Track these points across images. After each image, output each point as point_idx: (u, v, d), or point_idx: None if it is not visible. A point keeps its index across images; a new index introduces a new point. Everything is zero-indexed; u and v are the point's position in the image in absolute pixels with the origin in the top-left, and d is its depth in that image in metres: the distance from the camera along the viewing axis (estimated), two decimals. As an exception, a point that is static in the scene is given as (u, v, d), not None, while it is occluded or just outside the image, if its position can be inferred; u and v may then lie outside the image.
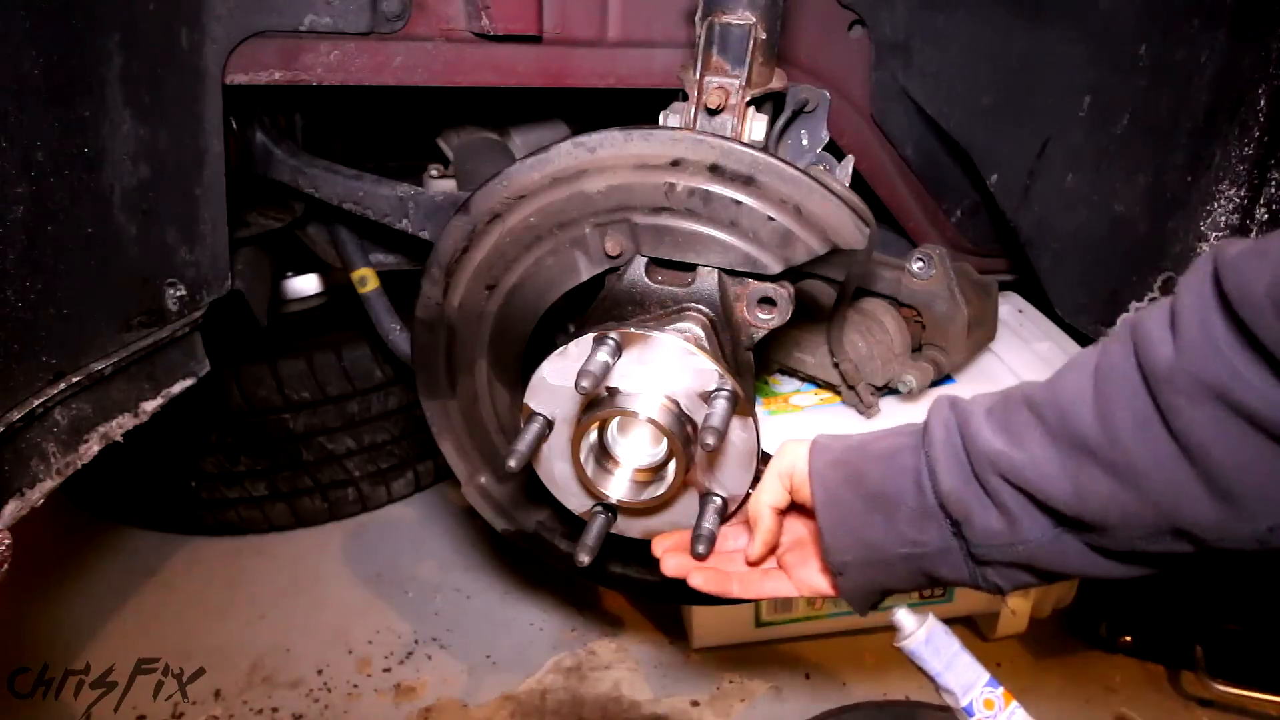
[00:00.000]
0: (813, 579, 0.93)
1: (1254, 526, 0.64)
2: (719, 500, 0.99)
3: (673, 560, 0.96)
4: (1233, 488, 0.63)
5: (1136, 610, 1.68)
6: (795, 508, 0.95)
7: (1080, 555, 0.75)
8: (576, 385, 0.87)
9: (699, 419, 0.95)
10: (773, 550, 0.97)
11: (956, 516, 0.79)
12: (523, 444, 0.95)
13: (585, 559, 0.99)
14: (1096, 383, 0.71)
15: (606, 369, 0.90)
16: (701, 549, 0.94)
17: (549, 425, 0.98)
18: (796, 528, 0.98)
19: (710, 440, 0.87)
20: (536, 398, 0.98)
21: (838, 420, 1.48)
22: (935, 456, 0.80)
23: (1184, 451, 0.64)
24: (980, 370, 1.58)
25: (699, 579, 0.95)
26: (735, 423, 0.94)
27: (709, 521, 0.97)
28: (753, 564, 0.97)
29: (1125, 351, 0.69)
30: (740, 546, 0.99)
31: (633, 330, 0.92)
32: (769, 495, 0.92)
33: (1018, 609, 1.65)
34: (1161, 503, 0.67)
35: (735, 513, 1.02)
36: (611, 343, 0.91)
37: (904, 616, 0.97)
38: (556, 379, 0.97)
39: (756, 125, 1.12)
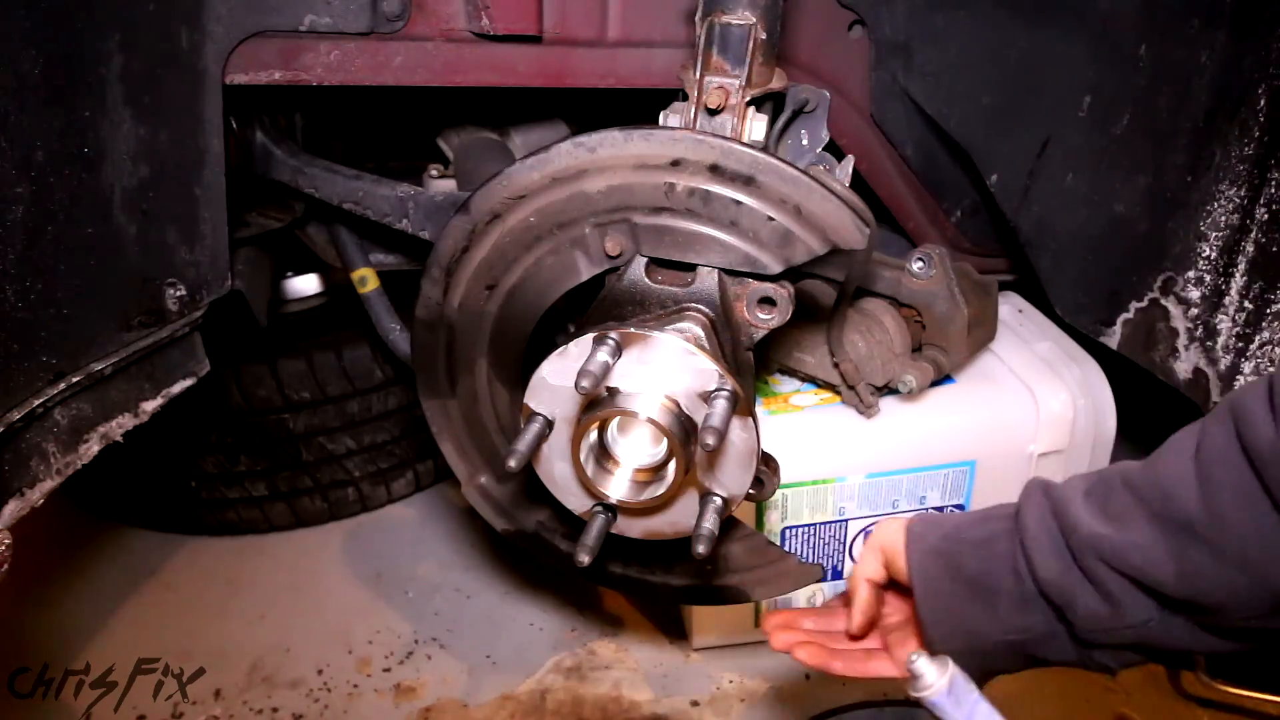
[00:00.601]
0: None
1: None
2: (719, 500, 0.99)
3: (783, 637, 1.01)
4: None
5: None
6: (894, 584, 0.97)
7: (1188, 634, 0.76)
8: (576, 385, 0.87)
9: (699, 419, 0.95)
10: (872, 624, 0.99)
11: (1058, 603, 0.80)
12: (523, 444, 0.95)
13: (585, 559, 0.99)
14: (1199, 465, 0.71)
15: (606, 369, 0.90)
16: (702, 549, 0.94)
17: (549, 425, 0.98)
18: (899, 606, 1.01)
19: (710, 440, 0.87)
20: (536, 398, 0.98)
21: (838, 420, 1.48)
22: (1031, 545, 0.81)
23: None
24: (980, 370, 1.58)
25: (804, 654, 0.98)
26: (735, 423, 0.93)
27: (709, 521, 0.97)
28: (854, 638, 0.99)
29: (1227, 432, 0.70)
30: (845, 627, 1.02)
31: (632, 330, 0.92)
32: (867, 569, 0.95)
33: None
34: (1270, 580, 0.68)
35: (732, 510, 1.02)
36: (611, 343, 0.91)
37: (924, 665, 0.94)
38: (556, 379, 0.97)
39: (756, 125, 1.12)
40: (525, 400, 0.98)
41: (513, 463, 0.93)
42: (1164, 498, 0.73)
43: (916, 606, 0.89)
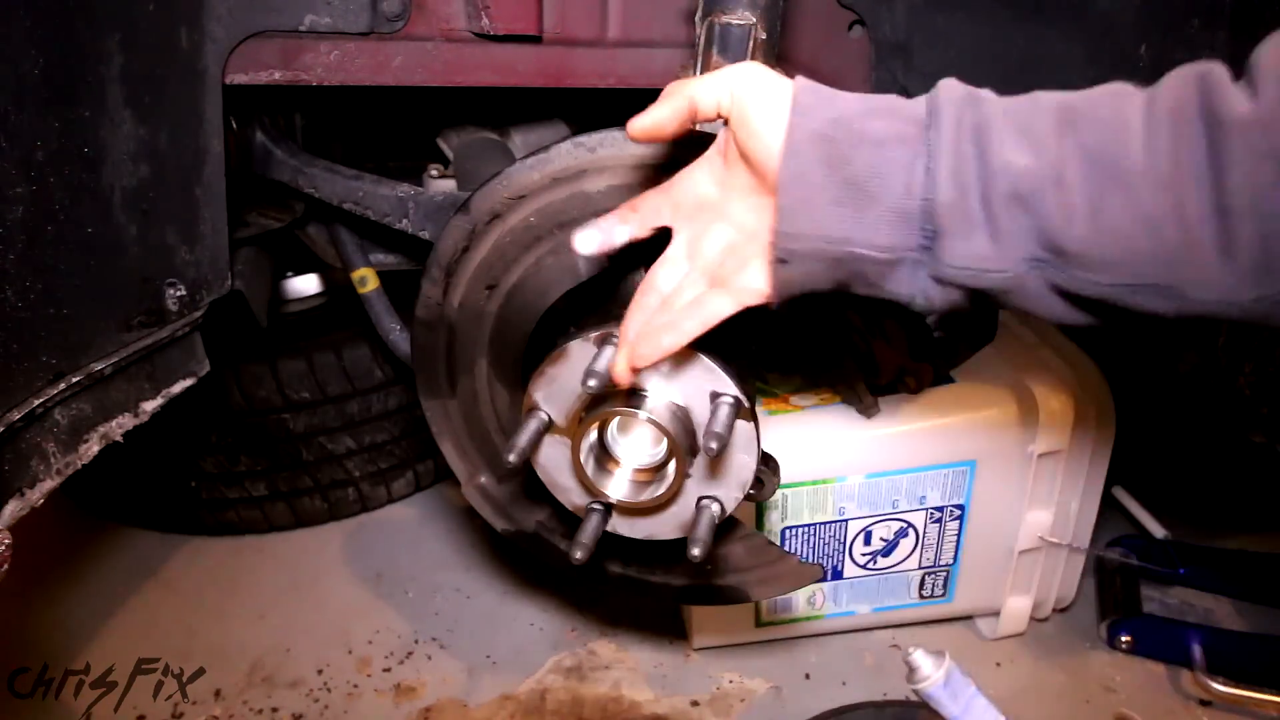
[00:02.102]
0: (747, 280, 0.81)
1: (1253, 293, 0.62)
2: (716, 504, 0.99)
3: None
4: (1254, 254, 0.61)
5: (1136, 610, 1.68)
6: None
7: (1040, 294, 0.70)
8: (584, 384, 0.87)
9: (699, 419, 0.95)
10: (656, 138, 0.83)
11: (939, 228, 0.71)
12: (522, 439, 0.95)
13: (580, 555, 0.99)
14: (1149, 115, 0.65)
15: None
16: (697, 551, 0.95)
17: (549, 422, 0.99)
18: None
19: (713, 445, 0.87)
20: (537, 395, 0.98)
21: (838, 420, 1.48)
22: (938, 164, 0.71)
23: (1221, 209, 0.61)
24: (980, 370, 1.58)
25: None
26: (736, 426, 0.94)
27: (705, 524, 0.97)
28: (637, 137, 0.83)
29: (1188, 95, 0.64)
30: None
31: None
32: (703, 97, 0.78)
33: (1018, 609, 1.65)
34: (1172, 254, 0.63)
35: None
36: (617, 342, 0.91)
37: (921, 659, 0.94)
38: (558, 378, 0.97)
39: (756, 125, 1.12)
40: (526, 396, 0.98)
41: (512, 457, 0.93)
42: (1102, 132, 0.66)
43: (776, 189, 0.74)
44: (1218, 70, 0.65)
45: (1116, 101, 0.69)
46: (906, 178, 0.71)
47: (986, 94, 0.76)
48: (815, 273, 0.76)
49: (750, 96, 0.77)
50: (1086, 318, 0.72)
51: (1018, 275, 0.70)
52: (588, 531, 1.02)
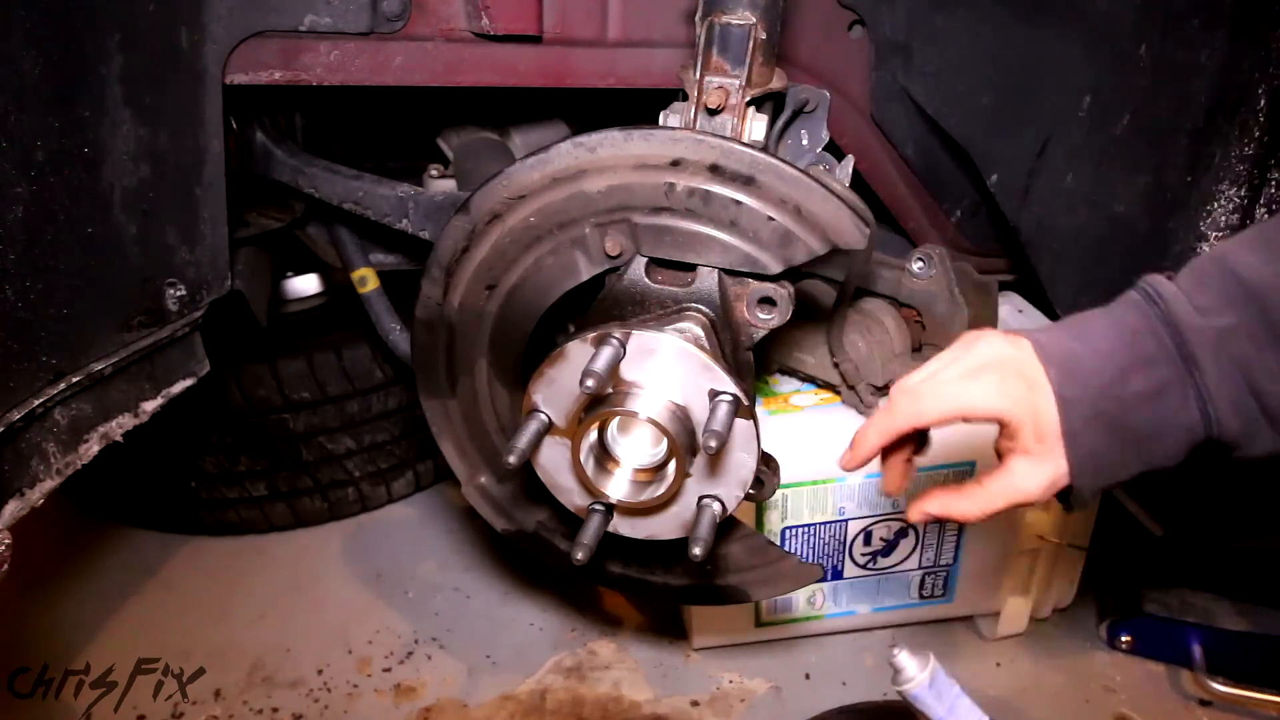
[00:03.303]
0: (1023, 481, 0.85)
1: None
2: (716, 504, 0.99)
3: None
4: None
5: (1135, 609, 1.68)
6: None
7: None
8: (582, 385, 0.87)
9: (699, 419, 0.95)
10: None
11: (1231, 445, 0.76)
12: (522, 441, 0.95)
13: (582, 556, 0.99)
14: None
15: (611, 369, 0.90)
16: (698, 551, 0.95)
17: (549, 423, 0.99)
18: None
19: (712, 443, 0.87)
20: (537, 396, 0.98)
21: (838, 420, 1.48)
22: (1218, 403, 0.75)
23: None
24: (980, 370, 1.58)
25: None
26: (736, 425, 0.94)
27: (706, 524, 0.97)
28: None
29: None
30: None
31: (633, 330, 0.92)
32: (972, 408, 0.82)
33: (1018, 609, 1.65)
34: None
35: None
36: (615, 343, 0.91)
37: (905, 660, 0.94)
38: (558, 379, 0.97)
39: (756, 125, 1.12)
40: (526, 397, 0.98)
41: (512, 459, 0.93)
42: None
43: (1070, 472, 0.80)
44: None
45: None
46: (1188, 421, 0.76)
47: (1219, 307, 0.76)
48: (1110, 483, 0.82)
49: (1006, 403, 0.81)
50: None
51: None
52: (589, 532, 1.02)
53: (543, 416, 0.98)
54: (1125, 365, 0.77)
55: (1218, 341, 0.74)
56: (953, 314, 1.41)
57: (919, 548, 1.57)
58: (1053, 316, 1.64)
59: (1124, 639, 1.64)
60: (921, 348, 1.46)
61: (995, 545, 1.58)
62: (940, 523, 1.55)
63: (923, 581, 1.61)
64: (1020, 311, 1.74)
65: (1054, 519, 1.57)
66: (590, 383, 0.86)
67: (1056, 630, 1.73)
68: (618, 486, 1.02)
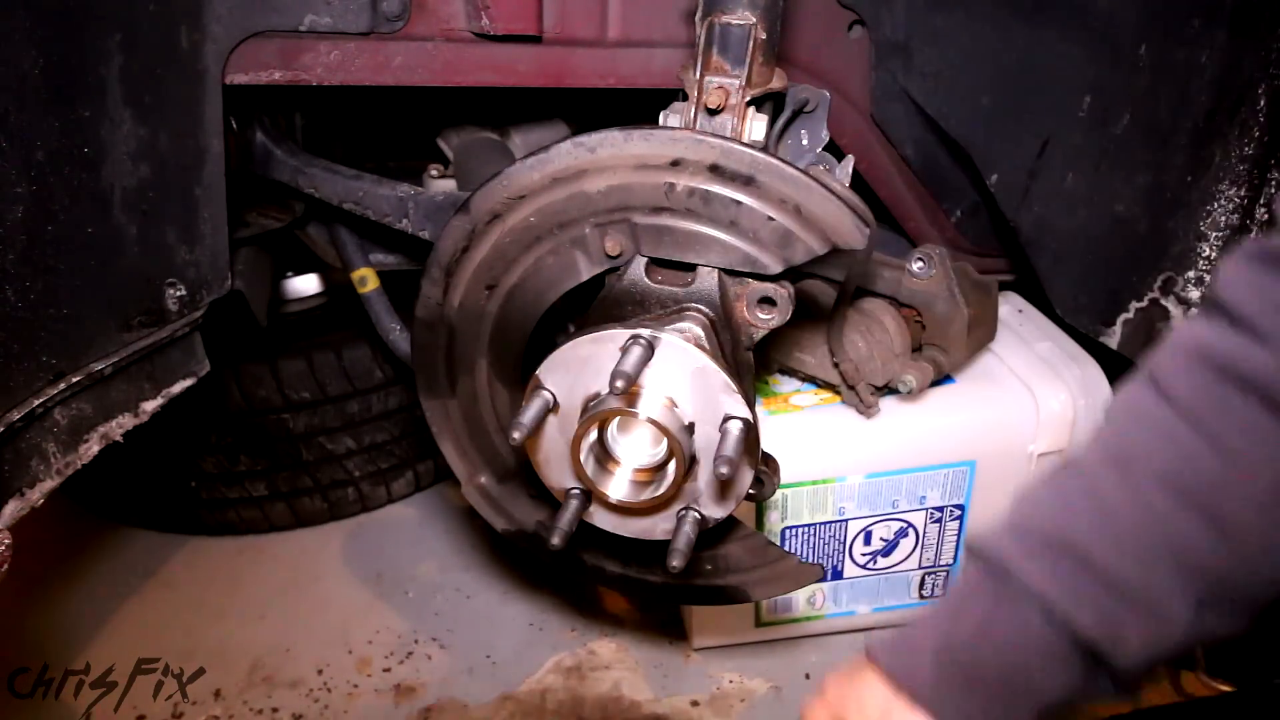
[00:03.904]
0: None
1: None
2: (696, 513, 1.00)
3: None
4: None
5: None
6: None
7: (1216, 624, 0.66)
8: (612, 385, 0.87)
9: (699, 419, 0.95)
10: None
11: (1097, 650, 0.67)
12: (526, 417, 0.94)
13: (558, 541, 0.98)
14: (1187, 413, 0.64)
15: (640, 369, 0.90)
16: (676, 563, 0.95)
17: (554, 401, 0.98)
18: None
19: (724, 470, 0.87)
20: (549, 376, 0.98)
21: (838, 420, 1.48)
22: (1052, 601, 0.67)
23: None
24: (980, 370, 1.58)
25: None
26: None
27: (685, 534, 0.98)
28: None
29: (1192, 381, 0.64)
30: None
31: (662, 334, 0.92)
32: None
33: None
34: None
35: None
36: (644, 343, 0.91)
37: None
38: (562, 369, 0.97)
39: (756, 125, 1.12)
40: (533, 379, 0.98)
41: (516, 435, 0.92)
42: (1163, 455, 0.64)
43: None
44: (1198, 347, 0.65)
45: (1134, 422, 0.68)
46: (1038, 632, 0.68)
47: (1019, 518, 0.73)
48: None
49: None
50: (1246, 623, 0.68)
51: (1190, 629, 0.65)
52: (566, 518, 1.01)
53: (547, 394, 0.97)
54: (954, 610, 0.73)
55: (1013, 537, 0.72)
56: (953, 314, 1.41)
57: (919, 548, 1.57)
58: (1053, 316, 1.64)
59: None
60: (921, 347, 1.47)
61: (995, 545, 1.58)
62: (940, 521, 1.55)
63: (923, 581, 1.61)
64: (1020, 311, 1.74)
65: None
66: (620, 383, 0.86)
67: (1056, 630, 1.73)
68: (617, 486, 1.02)
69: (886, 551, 1.57)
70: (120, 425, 1.05)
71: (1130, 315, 1.30)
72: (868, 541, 1.55)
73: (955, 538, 1.57)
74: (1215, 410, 0.63)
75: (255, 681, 1.64)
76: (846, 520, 1.52)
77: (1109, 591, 0.66)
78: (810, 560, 1.47)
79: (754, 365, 1.11)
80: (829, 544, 1.54)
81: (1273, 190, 1.08)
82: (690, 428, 0.95)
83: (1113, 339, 1.34)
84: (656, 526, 1.04)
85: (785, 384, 1.56)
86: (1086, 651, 0.67)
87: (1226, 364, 0.63)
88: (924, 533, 1.55)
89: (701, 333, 0.98)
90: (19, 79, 0.85)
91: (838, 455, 1.48)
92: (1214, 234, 1.16)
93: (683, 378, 0.93)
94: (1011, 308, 1.74)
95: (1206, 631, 0.66)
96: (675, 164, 0.97)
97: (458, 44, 1.24)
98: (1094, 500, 0.68)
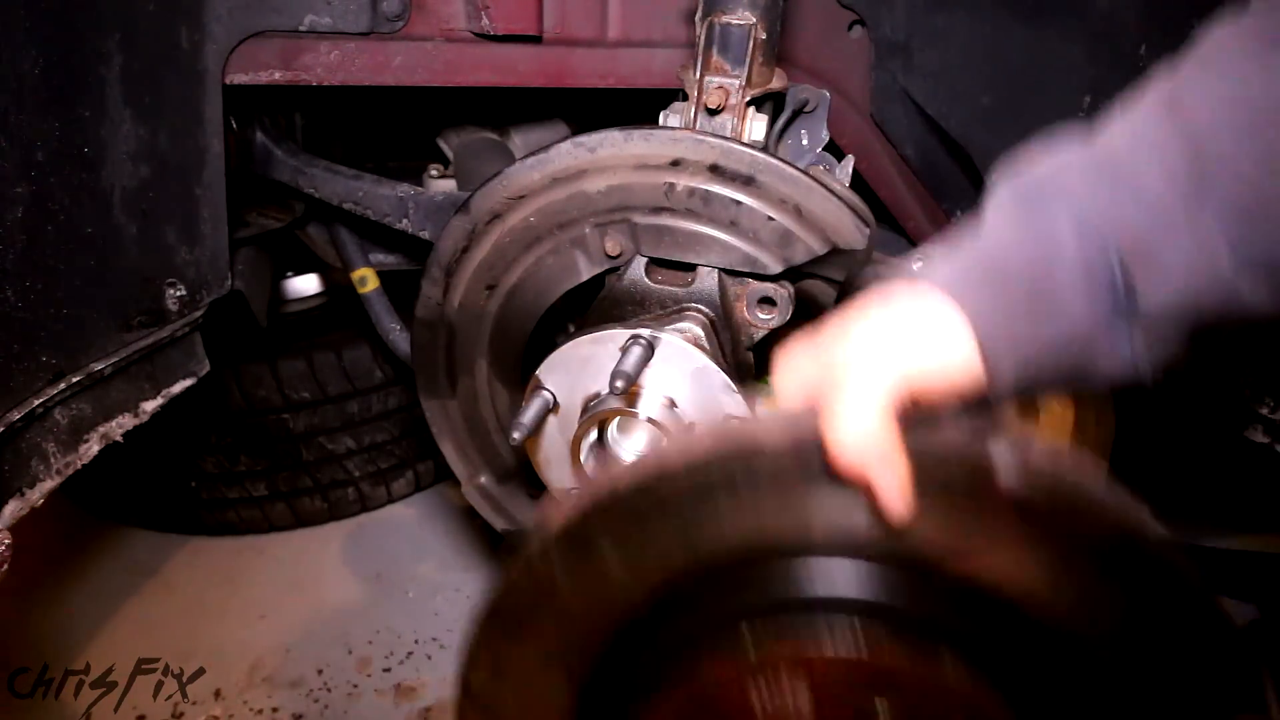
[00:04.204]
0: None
1: None
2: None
3: None
4: None
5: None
6: None
7: (1257, 295, 0.62)
8: (612, 386, 0.87)
9: (699, 418, 0.95)
10: None
11: (1129, 265, 0.63)
12: (526, 416, 0.94)
13: (518, 436, 0.94)
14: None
15: (640, 369, 0.90)
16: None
17: (554, 401, 0.98)
18: None
19: (618, 384, 0.86)
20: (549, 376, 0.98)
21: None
22: (1095, 206, 0.65)
23: None
24: (980, 370, 1.58)
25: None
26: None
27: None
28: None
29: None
30: None
31: (662, 334, 0.92)
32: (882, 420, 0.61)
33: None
34: None
35: None
36: (644, 343, 0.91)
37: None
38: (560, 376, 0.97)
39: (756, 125, 1.12)
40: (535, 375, 0.98)
41: (516, 435, 0.92)
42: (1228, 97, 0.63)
43: (980, 343, 0.64)
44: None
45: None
46: (1071, 243, 0.64)
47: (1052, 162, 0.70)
48: (1035, 378, 0.69)
49: (857, 322, 0.67)
50: None
51: (1224, 278, 0.62)
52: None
53: (546, 394, 0.97)
54: (977, 230, 0.69)
55: (1059, 170, 0.69)
56: (953, 314, 1.40)
57: (919, 548, 1.56)
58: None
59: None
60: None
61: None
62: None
63: (923, 581, 1.61)
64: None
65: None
66: (620, 383, 0.86)
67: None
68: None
69: (886, 551, 1.56)
70: (120, 425, 1.05)
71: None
72: (868, 541, 1.54)
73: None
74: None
75: (255, 681, 1.64)
76: (846, 520, 1.51)
77: (1148, 212, 0.63)
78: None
79: (754, 365, 1.11)
80: (829, 544, 1.53)
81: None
82: (690, 428, 0.95)
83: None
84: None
85: (785, 384, 1.56)
86: (1116, 275, 0.63)
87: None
88: (924, 533, 1.55)
89: (701, 333, 0.98)
90: (19, 79, 0.85)
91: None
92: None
93: (683, 378, 0.93)
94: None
95: (1240, 296, 0.62)
96: (675, 164, 0.97)
97: (458, 44, 1.24)
98: (1138, 138, 0.66)
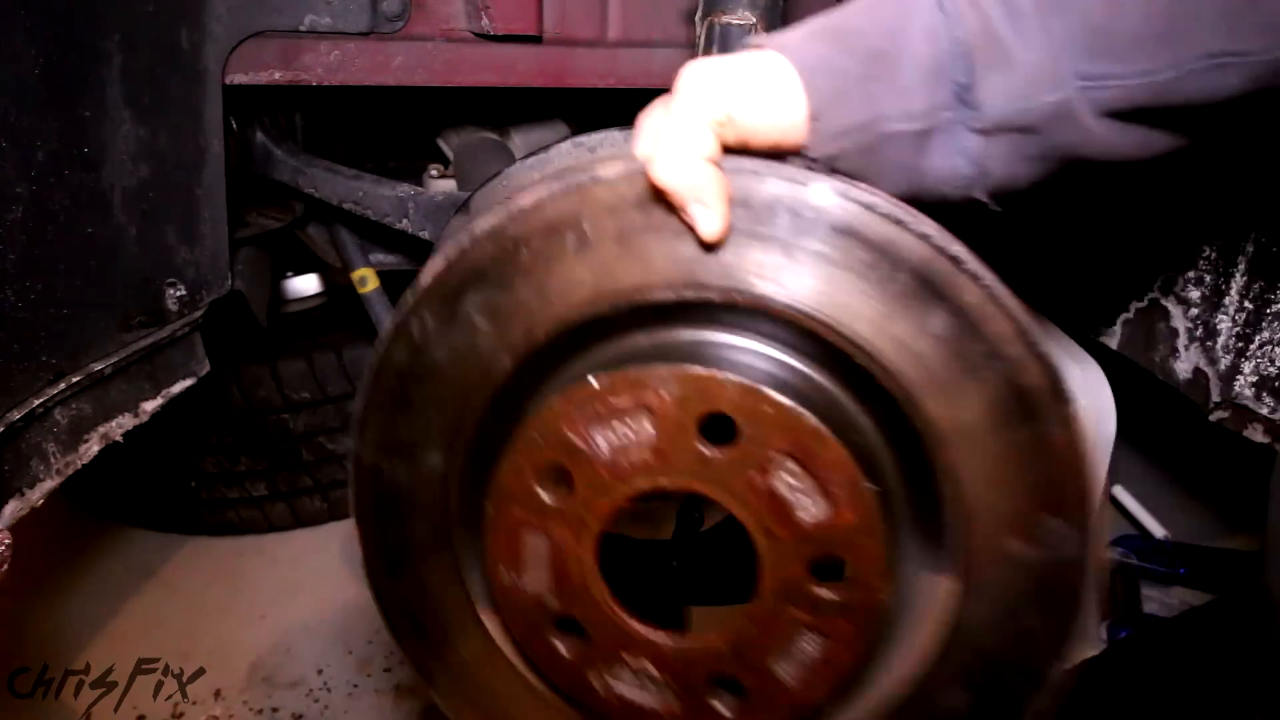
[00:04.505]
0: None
1: None
2: None
3: None
4: None
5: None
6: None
7: (1089, 122, 0.64)
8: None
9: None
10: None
11: (972, 66, 0.64)
12: None
13: None
14: None
15: None
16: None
17: None
18: None
19: None
20: None
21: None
22: (958, 6, 0.64)
23: None
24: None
25: None
26: None
27: None
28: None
29: None
30: None
31: None
32: (702, 142, 0.64)
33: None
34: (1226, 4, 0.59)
35: None
36: None
37: None
38: None
39: (756, 125, 1.12)
40: None
41: None
42: None
43: (806, 93, 0.65)
44: None
45: None
46: (925, 20, 0.65)
47: None
48: (869, 166, 0.68)
49: (703, 67, 0.67)
50: (1143, 138, 0.65)
51: (1065, 98, 0.63)
52: None
53: None
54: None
55: None
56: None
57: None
58: (1053, 316, 1.63)
59: (1124, 639, 1.64)
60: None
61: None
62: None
63: (923, 581, 1.61)
64: (1020, 311, 1.74)
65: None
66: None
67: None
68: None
69: (886, 551, 1.56)
70: (120, 425, 1.05)
71: (1130, 315, 1.30)
72: (868, 541, 1.55)
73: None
74: None
75: (255, 681, 1.64)
76: (846, 520, 1.52)
77: (1006, 9, 0.63)
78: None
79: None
80: (829, 544, 1.54)
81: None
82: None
83: (1113, 339, 1.34)
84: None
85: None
86: (959, 68, 0.64)
87: None
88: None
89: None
90: (19, 79, 0.85)
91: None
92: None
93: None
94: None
95: (1085, 115, 0.64)
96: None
97: (458, 44, 1.23)
98: None
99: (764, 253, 0.65)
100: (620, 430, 0.69)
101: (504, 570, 0.74)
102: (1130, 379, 1.55)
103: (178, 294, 1.10)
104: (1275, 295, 1.08)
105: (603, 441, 0.69)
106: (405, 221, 1.35)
